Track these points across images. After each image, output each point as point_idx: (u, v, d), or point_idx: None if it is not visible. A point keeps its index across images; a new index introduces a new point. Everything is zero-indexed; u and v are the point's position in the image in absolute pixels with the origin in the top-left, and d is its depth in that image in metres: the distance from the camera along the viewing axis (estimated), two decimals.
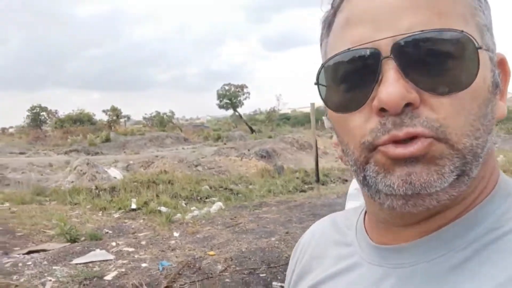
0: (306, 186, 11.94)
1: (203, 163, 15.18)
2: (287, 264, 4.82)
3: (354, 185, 2.32)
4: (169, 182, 11.94)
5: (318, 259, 0.70)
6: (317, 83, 0.54)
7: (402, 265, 0.53)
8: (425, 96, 0.46)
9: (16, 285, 5.11)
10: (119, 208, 9.39)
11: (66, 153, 24.24)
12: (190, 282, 4.98)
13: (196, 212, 8.92)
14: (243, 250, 6.10)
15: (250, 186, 11.86)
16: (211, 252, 6.01)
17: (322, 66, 0.54)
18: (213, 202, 9.91)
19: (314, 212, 8.35)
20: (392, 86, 0.46)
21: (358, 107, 0.50)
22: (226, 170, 14.55)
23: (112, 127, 32.84)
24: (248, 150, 17.48)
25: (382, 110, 0.47)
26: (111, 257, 6.06)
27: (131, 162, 16.68)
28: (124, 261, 5.85)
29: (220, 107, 37.77)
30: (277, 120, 40.06)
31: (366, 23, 0.49)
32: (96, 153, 24.00)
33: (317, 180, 12.43)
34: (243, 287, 4.89)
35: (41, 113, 43.64)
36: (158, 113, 39.94)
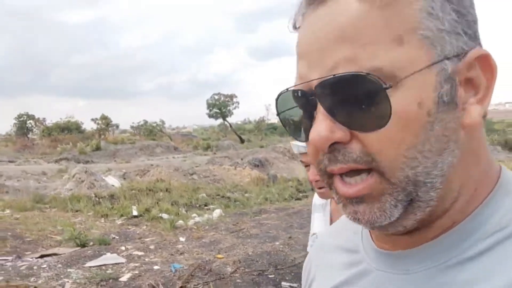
0: (300, 194, 12.30)
1: (198, 171, 15.44)
2: (294, 265, 5.30)
3: (318, 198, 2.31)
4: (166, 190, 12.21)
5: (325, 268, 0.69)
6: (278, 114, 0.56)
7: (408, 271, 0.53)
8: (354, 133, 0.47)
9: (35, 287, 5.34)
10: (121, 215, 9.61)
11: (56, 161, 24.27)
12: (204, 283, 5.27)
13: (197, 219, 9.20)
14: (250, 253, 6.41)
15: (246, 194, 12.17)
16: (219, 255, 6.30)
17: (276, 99, 0.56)
18: (212, 209, 10.19)
19: None
20: (318, 126, 0.48)
21: (307, 140, 0.52)
22: (221, 178, 14.84)
23: (102, 136, 32.83)
24: (241, 159, 17.80)
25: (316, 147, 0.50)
26: (123, 260, 6.31)
27: (123, 170, 16.85)
28: (136, 264, 6.11)
29: (210, 116, 38.10)
30: (265, 130, 40.51)
31: (304, 60, 0.51)
32: (87, 162, 24.04)
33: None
34: (254, 287, 5.20)
35: (28, 121, 43.33)
36: (146, 121, 40.07)
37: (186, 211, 10.20)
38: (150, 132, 36.12)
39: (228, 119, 38.51)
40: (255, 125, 39.18)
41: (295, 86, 0.52)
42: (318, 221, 2.34)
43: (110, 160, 25.50)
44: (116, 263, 6.18)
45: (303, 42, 0.51)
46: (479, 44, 0.50)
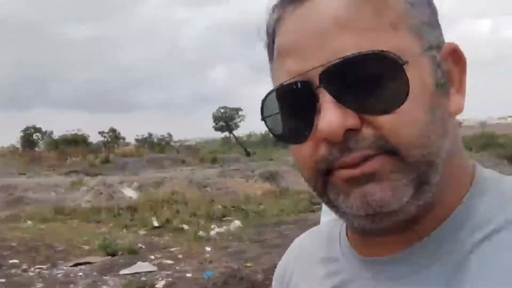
0: (314, 206, 12.53)
1: (211, 184, 15.69)
2: None
3: None
4: (182, 202, 12.47)
5: (305, 279, 0.67)
6: (263, 119, 0.54)
7: (393, 277, 0.52)
8: (365, 118, 0.46)
9: None
10: (144, 226, 9.86)
11: (66, 174, 24.49)
12: None
13: (217, 230, 9.44)
14: (277, 262, 6.62)
15: (261, 206, 12.41)
16: (248, 264, 6.54)
17: (263, 102, 0.53)
18: (230, 221, 10.43)
19: None
20: (328, 116, 0.46)
21: (304, 138, 0.49)
22: (234, 191, 15.08)
23: (112, 148, 33.17)
24: (252, 172, 18.05)
25: (326, 139, 0.47)
26: (154, 268, 6.56)
27: (135, 183, 17.11)
28: (168, 272, 6.36)
29: (216, 129, 38.44)
30: (270, 143, 40.83)
31: (295, 54, 0.49)
32: (96, 174, 24.23)
33: None
34: None
35: (35, 134, 43.68)
36: (151, 134, 40.44)
37: (205, 222, 10.44)
38: (158, 145, 36.45)
39: (234, 132, 38.93)
40: (261, 138, 39.52)
41: (289, 80, 0.49)
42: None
43: (119, 173, 25.70)
44: (148, 271, 6.43)
45: (290, 40, 0.50)
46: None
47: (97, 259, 7.06)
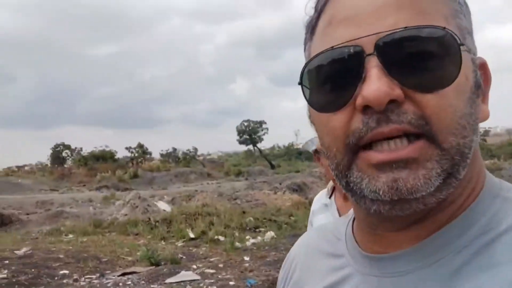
0: None
1: (240, 196, 15.96)
2: None
3: (319, 200, 2.42)
4: (214, 214, 12.75)
5: (309, 272, 0.67)
6: (301, 83, 0.54)
7: (398, 273, 0.52)
8: (410, 93, 0.46)
9: None
10: (180, 237, 10.17)
11: (97, 189, 25.18)
12: None
13: (252, 240, 9.67)
14: None
15: (292, 218, 12.59)
16: None
17: (306, 65, 0.53)
18: (264, 232, 10.65)
19: None
20: (375, 83, 0.45)
21: (341, 106, 0.49)
22: (263, 203, 15.30)
23: (140, 163, 33.87)
24: (280, 184, 18.27)
25: (366, 108, 0.47)
26: (198, 277, 6.82)
27: (165, 196, 17.53)
28: (211, 280, 6.61)
29: (240, 142, 38.91)
30: (293, 155, 41.08)
31: (349, 22, 0.49)
32: (126, 189, 24.82)
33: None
34: None
35: (64, 151, 44.87)
36: (175, 149, 41.18)
37: (239, 233, 10.69)
38: (184, 159, 37.07)
39: (258, 145, 39.31)
40: (285, 151, 39.80)
41: (340, 45, 0.49)
42: (324, 222, 2.45)
43: (147, 187, 26.27)
44: (192, 280, 6.69)
45: (346, 8, 0.50)
46: None
47: (142, 269, 7.37)
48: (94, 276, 7.03)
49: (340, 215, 2.16)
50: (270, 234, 10.20)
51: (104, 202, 17.12)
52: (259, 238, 10.01)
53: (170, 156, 41.53)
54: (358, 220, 0.61)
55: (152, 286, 6.43)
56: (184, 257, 8.38)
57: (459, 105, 0.47)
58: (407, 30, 0.46)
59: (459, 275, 0.47)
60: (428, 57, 0.46)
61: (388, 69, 0.46)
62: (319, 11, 0.55)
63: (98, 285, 6.55)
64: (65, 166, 41.79)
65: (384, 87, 0.45)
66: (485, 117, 0.54)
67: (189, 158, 37.59)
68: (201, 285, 6.43)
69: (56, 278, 6.90)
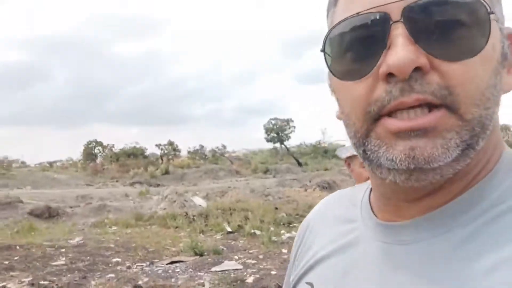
0: None
1: (272, 193, 16.41)
2: None
3: None
4: (247, 210, 13.24)
5: (320, 235, 0.69)
6: (323, 50, 0.53)
7: (406, 241, 0.53)
8: (435, 62, 0.45)
9: (178, 286, 6.40)
10: (218, 231, 10.69)
11: (131, 184, 26.10)
12: None
13: (287, 235, 10.10)
14: None
15: None
16: None
17: (329, 32, 0.52)
18: (297, 227, 11.05)
19: None
20: (401, 50, 0.45)
21: (364, 74, 0.48)
22: (294, 200, 15.70)
23: (171, 160, 34.75)
24: (309, 181, 18.63)
25: (389, 76, 0.46)
26: (240, 266, 7.29)
27: (197, 192, 18.16)
28: (253, 270, 7.07)
29: (268, 140, 39.35)
30: (320, 153, 41.31)
31: None
32: (158, 185, 25.63)
33: None
34: None
35: (96, 148, 46.18)
36: (202, 146, 41.95)
37: (274, 228, 11.13)
38: (213, 156, 37.79)
39: (285, 143, 39.68)
40: (312, 149, 40.04)
41: (366, 11, 0.48)
42: None
43: (178, 183, 27.00)
44: (236, 269, 7.17)
45: None
46: None
47: (187, 258, 7.89)
48: (144, 264, 7.58)
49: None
50: None
51: (140, 197, 17.87)
52: (293, 232, 10.42)
53: (197, 153, 42.29)
54: (374, 189, 0.61)
55: (199, 273, 6.93)
56: (224, 248, 8.87)
57: (485, 76, 0.47)
58: None
59: (466, 246, 0.47)
60: (456, 26, 0.46)
61: (415, 37, 0.46)
62: None
63: (149, 272, 7.09)
64: (97, 162, 42.96)
65: (409, 54, 0.45)
66: (509, 89, 0.53)
67: (218, 156, 38.28)
68: (245, 273, 6.89)
69: (110, 265, 7.48)
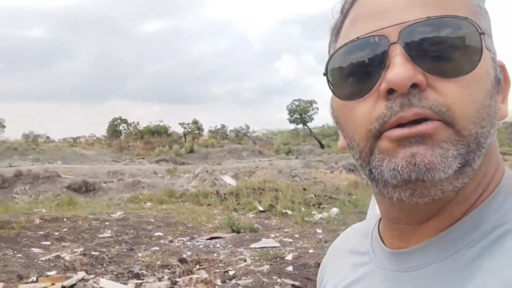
0: None
1: (299, 174, 16.64)
2: None
3: None
4: (276, 190, 13.52)
5: (335, 271, 0.72)
6: (326, 74, 0.56)
7: (415, 267, 0.54)
8: (431, 80, 0.48)
9: (221, 260, 6.72)
10: (251, 209, 10.99)
11: (157, 162, 26.67)
12: None
13: (319, 216, 10.34)
14: None
15: (353, 196, 13.15)
16: None
17: (331, 56, 0.55)
18: (327, 208, 11.30)
19: None
20: (399, 67, 0.48)
21: (365, 93, 0.51)
22: (321, 181, 15.92)
23: (196, 139, 35.20)
24: (335, 163, 18.78)
25: (389, 93, 0.49)
26: (278, 244, 7.57)
27: (223, 171, 18.53)
28: (291, 248, 7.33)
29: (291, 121, 39.49)
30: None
31: (375, 16, 0.52)
32: (183, 163, 26.13)
33: None
34: None
35: (121, 125, 46.87)
36: (223, 125, 42.29)
37: (304, 209, 11.39)
38: (236, 136, 38.14)
39: (308, 124, 39.74)
40: (334, 130, 40.02)
41: (366, 35, 0.52)
42: None
43: (202, 162, 27.43)
44: (273, 246, 7.45)
45: (373, 4, 0.53)
46: None
47: (225, 234, 8.21)
48: (185, 239, 7.93)
49: None
50: (335, 210, 10.82)
51: (168, 174, 18.34)
52: (324, 213, 10.66)
53: (219, 133, 42.68)
54: (382, 215, 0.63)
55: (239, 249, 7.24)
56: (260, 226, 9.16)
57: (479, 95, 0.49)
58: (430, 20, 0.49)
59: (471, 267, 0.49)
60: (450, 46, 0.49)
61: (411, 56, 0.49)
62: (344, 13, 0.59)
63: (191, 246, 7.43)
64: (121, 139, 43.59)
65: (407, 71, 0.48)
66: (503, 116, 0.55)
67: (241, 136, 38.59)
68: (283, 251, 7.17)
69: (153, 238, 7.86)
